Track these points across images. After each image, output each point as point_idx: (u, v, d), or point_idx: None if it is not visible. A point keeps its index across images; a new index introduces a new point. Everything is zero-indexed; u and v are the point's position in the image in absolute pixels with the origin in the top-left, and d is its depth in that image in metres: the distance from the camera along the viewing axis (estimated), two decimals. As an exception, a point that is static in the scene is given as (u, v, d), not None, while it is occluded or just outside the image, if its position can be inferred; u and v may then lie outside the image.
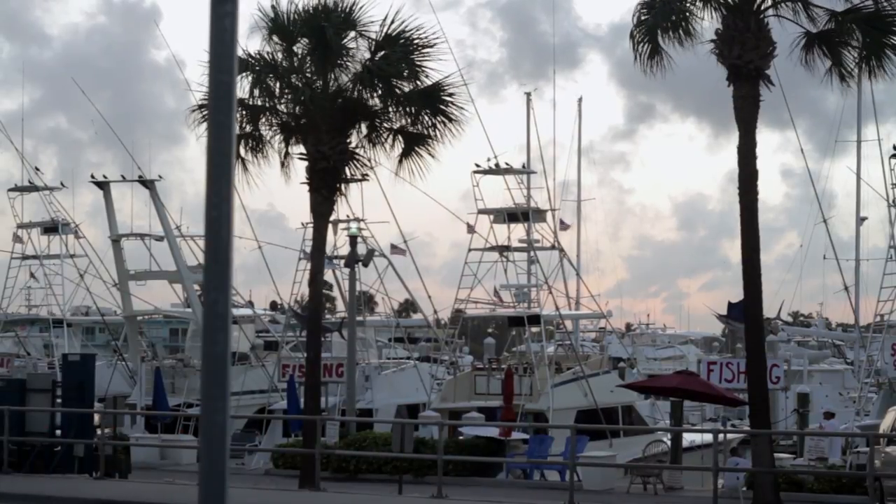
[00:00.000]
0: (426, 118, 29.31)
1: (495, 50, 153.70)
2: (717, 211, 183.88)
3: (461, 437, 34.42)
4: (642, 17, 27.43)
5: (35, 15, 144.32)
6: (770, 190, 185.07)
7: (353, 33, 28.79)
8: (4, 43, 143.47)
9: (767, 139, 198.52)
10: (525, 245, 46.52)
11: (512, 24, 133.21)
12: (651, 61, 27.39)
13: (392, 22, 28.62)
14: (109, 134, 51.56)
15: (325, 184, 29.12)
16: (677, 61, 27.48)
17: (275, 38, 28.97)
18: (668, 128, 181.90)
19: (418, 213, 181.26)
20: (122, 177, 49.47)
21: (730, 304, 43.13)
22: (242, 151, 29.54)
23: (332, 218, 33.16)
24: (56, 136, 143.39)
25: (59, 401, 32.07)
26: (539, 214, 46.80)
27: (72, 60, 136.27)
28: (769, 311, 51.91)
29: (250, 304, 60.06)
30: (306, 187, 29.45)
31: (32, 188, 54.13)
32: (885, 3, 26.67)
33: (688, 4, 27.28)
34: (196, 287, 47.24)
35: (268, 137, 29.84)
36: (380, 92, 28.99)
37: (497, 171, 45.12)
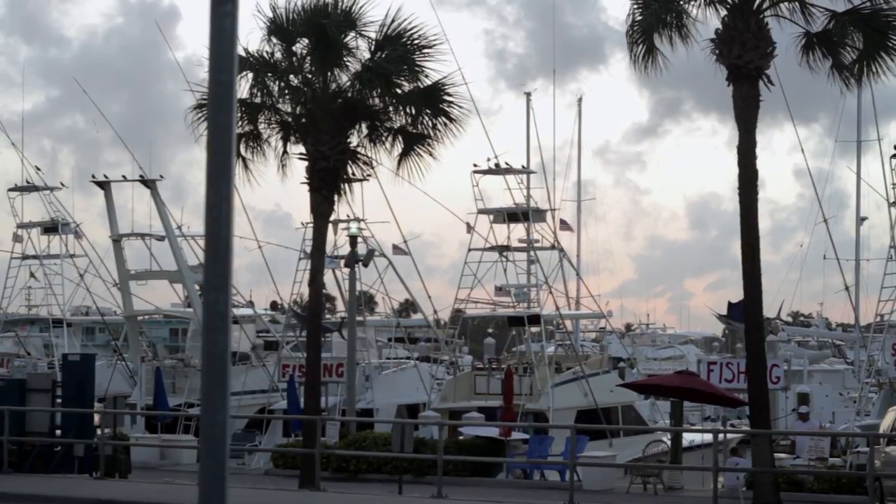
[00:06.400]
0: (426, 118, 29.32)
1: (520, 42, 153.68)
2: (731, 210, 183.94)
3: (461, 437, 34.42)
4: (635, 17, 27.44)
5: (52, 17, 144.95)
6: (784, 190, 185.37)
7: (352, 33, 28.81)
8: (22, 45, 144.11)
9: (787, 138, 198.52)
10: (525, 245, 46.49)
11: (537, 17, 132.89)
12: (646, 62, 27.41)
13: (392, 21, 28.65)
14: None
15: (325, 184, 29.13)
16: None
17: (274, 38, 28.97)
18: (690, 124, 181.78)
19: (427, 213, 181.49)
20: (123, 177, 49.45)
21: (730, 304, 43.11)
22: (242, 150, 29.57)
23: (332, 218, 33.18)
24: (73, 136, 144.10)
25: (59, 401, 32.08)
26: (539, 214, 46.78)
27: (90, 62, 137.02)
28: (769, 311, 51.89)
29: (251, 304, 60.03)
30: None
31: (32, 188, 54.09)
32: (884, 4, 26.68)
33: (685, 4, 27.30)
34: (197, 287, 47.22)
35: (267, 136, 29.88)
36: (380, 92, 28.99)
37: (497, 171, 45.10)
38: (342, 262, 44.33)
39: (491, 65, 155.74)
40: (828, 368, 63.46)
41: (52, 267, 55.13)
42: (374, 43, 28.82)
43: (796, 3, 26.98)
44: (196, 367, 45.55)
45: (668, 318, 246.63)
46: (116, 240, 49.31)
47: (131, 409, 42.36)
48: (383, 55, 28.68)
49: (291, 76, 29.27)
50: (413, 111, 29.28)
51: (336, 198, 29.97)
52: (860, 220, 62.64)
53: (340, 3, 28.57)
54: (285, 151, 29.86)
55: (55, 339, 54.66)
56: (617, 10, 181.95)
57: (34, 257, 55.35)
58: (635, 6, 27.59)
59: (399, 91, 29.02)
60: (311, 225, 31.00)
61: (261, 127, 29.78)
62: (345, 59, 28.91)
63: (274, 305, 65.68)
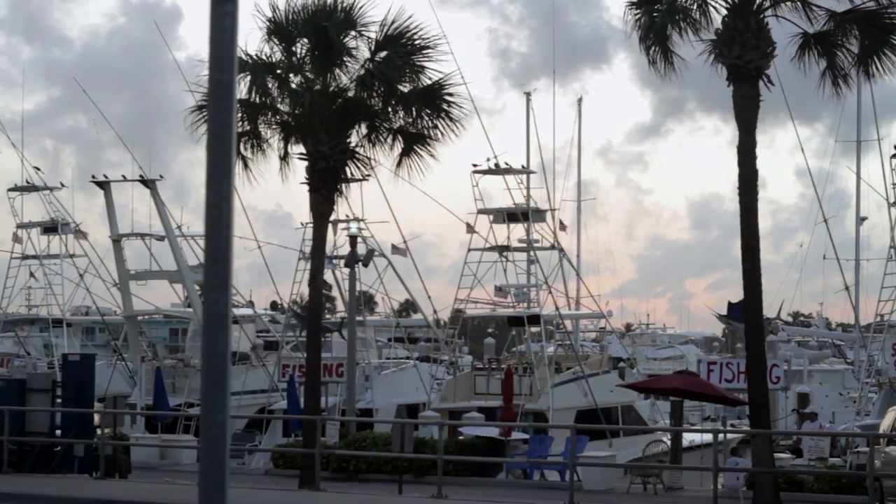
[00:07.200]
0: (426, 118, 29.31)
1: (523, 41, 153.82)
2: (732, 210, 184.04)
3: (461, 437, 34.42)
4: (645, 20, 27.41)
5: (54, 17, 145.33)
6: (785, 190, 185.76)
7: (353, 33, 28.80)
8: (24, 45, 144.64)
9: (789, 137, 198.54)
10: (525, 245, 46.51)
11: (540, 16, 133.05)
12: (664, 64, 27.41)
13: (393, 22, 28.63)
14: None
15: (325, 184, 29.12)
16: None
17: (274, 38, 28.96)
18: (693, 124, 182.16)
19: (427, 213, 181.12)
20: (123, 177, 49.47)
21: (730, 304, 43.15)
22: (243, 149, 29.57)
23: (332, 218, 33.18)
24: (75, 136, 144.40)
25: (59, 401, 32.07)
26: (539, 214, 46.78)
27: (92, 62, 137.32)
28: (769, 311, 51.92)
29: (251, 304, 60.07)
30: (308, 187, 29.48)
31: (32, 188, 54.12)
32: (885, 3, 26.66)
33: (688, 4, 27.31)
34: (197, 287, 47.24)
35: (267, 136, 29.86)
36: (380, 92, 28.97)
37: (496, 171, 45.11)
38: (342, 262, 44.33)
39: (494, 64, 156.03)
40: (828, 368, 63.50)
41: (52, 267, 55.19)
42: (374, 43, 28.81)
43: (797, 3, 26.97)
44: (196, 367, 45.54)
45: (668, 318, 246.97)
46: (116, 240, 49.32)
47: (131, 409, 42.38)
48: (384, 56, 28.66)
49: (291, 76, 29.25)
50: (413, 111, 29.26)
51: (336, 198, 29.97)
52: (860, 220, 62.69)
53: (340, 4, 28.55)
54: (286, 151, 29.86)
55: (55, 339, 54.69)
56: (620, 9, 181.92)
57: (34, 257, 55.38)
58: (630, 6, 27.59)
59: (399, 91, 29.00)
60: (311, 225, 31.00)
61: (261, 127, 29.77)
62: (345, 59, 28.90)
63: (274, 305, 65.73)
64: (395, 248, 50.82)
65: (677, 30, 27.09)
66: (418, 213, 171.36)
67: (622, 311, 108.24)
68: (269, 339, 55.37)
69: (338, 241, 45.59)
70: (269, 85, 29.12)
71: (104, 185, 49.23)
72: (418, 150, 29.67)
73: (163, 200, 48.45)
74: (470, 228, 46.22)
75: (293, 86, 29.14)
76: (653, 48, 27.44)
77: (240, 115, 28.83)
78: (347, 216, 43.73)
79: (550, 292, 45.73)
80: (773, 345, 42.87)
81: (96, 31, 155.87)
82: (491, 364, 45.00)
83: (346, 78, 29.09)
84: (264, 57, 29.01)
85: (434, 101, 29.11)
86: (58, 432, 31.56)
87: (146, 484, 29.16)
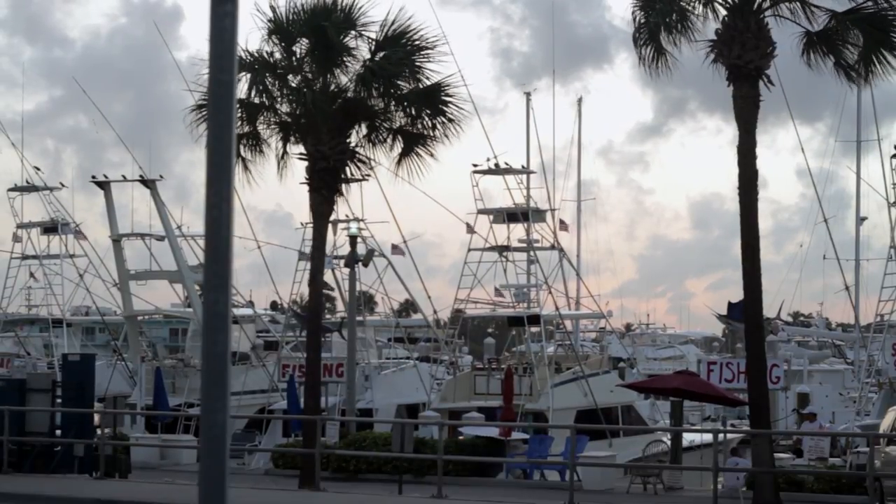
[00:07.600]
0: (426, 118, 29.31)
1: (525, 40, 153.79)
2: (733, 210, 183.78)
3: (461, 437, 34.42)
4: (640, 18, 27.42)
5: (56, 18, 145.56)
6: (786, 189, 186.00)
7: (353, 33, 28.80)
8: (26, 46, 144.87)
9: (791, 137, 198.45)
10: (525, 245, 46.50)
11: (542, 15, 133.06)
12: (655, 64, 27.40)
13: (393, 22, 28.63)
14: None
15: (325, 184, 29.12)
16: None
17: (274, 38, 28.95)
18: (695, 124, 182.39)
19: (428, 213, 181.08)
20: (123, 177, 49.45)
21: (730, 304, 43.14)
22: (242, 150, 29.56)
23: (332, 218, 33.18)
24: (76, 136, 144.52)
25: (59, 401, 32.08)
26: (539, 214, 46.78)
27: (93, 62, 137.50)
28: (769, 311, 51.93)
29: (251, 304, 60.07)
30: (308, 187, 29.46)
31: (32, 188, 54.13)
32: (885, 3, 26.66)
33: (687, 4, 27.29)
34: (197, 287, 47.22)
35: (267, 137, 29.85)
36: (380, 91, 28.97)
37: (497, 171, 45.10)
38: (342, 262, 44.33)
39: (496, 63, 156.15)
40: (828, 368, 63.52)
41: (52, 267, 55.21)
42: (374, 43, 28.80)
43: (797, 3, 26.96)
44: (196, 367, 45.54)
45: (668, 318, 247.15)
46: (116, 240, 49.31)
47: (131, 409, 42.38)
48: (384, 56, 28.66)
49: (291, 76, 29.25)
50: (413, 111, 29.26)
51: (336, 198, 29.97)
52: (860, 220, 62.71)
53: (340, 3, 28.55)
54: (285, 151, 29.86)
55: (55, 339, 54.69)
56: (621, 8, 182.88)
57: (34, 257, 55.39)
58: (636, 7, 27.59)
59: (399, 91, 29.00)
60: (311, 225, 30.99)
61: (260, 127, 29.76)
62: (345, 59, 28.90)
63: (274, 305, 65.73)
64: (394, 248, 50.85)
65: (670, 31, 27.06)
66: (418, 213, 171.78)
67: (622, 311, 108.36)
68: (269, 339, 55.37)
69: (338, 241, 45.64)
70: (269, 84, 29.11)
71: (104, 185, 49.22)
72: (418, 150, 29.67)
73: (163, 200, 48.48)
74: (470, 228, 46.22)
75: (293, 84, 29.15)
76: (644, 48, 27.41)
77: (239, 115, 28.81)
78: (347, 216, 43.74)
79: (550, 292, 45.77)
80: (773, 345, 42.87)
81: (97, 31, 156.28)
82: (491, 364, 44.99)
83: (345, 78, 29.11)
84: (265, 54, 29.01)
85: (434, 101, 29.11)
86: (58, 432, 31.56)
87: (146, 484, 29.16)
